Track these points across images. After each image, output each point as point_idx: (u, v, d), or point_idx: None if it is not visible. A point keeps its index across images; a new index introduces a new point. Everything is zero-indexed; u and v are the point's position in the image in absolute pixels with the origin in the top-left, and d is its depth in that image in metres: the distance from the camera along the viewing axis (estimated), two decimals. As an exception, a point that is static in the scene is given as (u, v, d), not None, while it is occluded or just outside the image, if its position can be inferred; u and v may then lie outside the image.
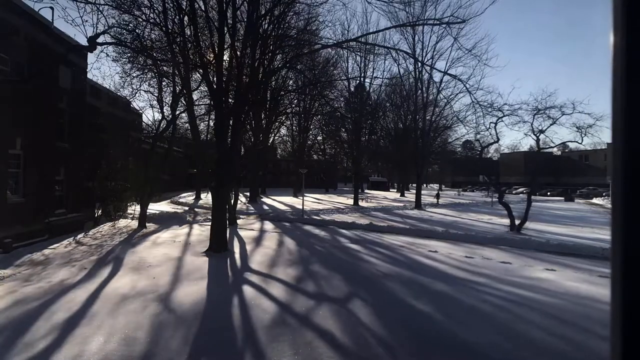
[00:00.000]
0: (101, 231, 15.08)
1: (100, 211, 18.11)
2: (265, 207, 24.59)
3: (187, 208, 25.07)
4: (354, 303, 6.27)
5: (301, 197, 21.64)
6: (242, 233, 14.24)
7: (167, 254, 10.35)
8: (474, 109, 20.04)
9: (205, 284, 7.45)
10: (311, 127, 37.82)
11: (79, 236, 13.75)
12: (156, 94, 18.99)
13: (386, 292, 6.99)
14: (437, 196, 33.45)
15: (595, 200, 42.59)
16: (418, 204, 27.87)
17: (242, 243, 12.17)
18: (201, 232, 14.23)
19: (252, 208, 23.80)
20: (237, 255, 10.22)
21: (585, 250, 11.43)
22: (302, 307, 6.01)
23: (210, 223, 11.47)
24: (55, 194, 14.52)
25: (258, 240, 12.70)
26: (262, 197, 32.59)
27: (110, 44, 13.35)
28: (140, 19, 13.02)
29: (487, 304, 6.38)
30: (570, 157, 66.75)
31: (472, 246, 12.19)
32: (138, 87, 20.85)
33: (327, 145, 47.91)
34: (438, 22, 14.52)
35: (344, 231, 15.29)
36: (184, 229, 15.26)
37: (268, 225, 16.65)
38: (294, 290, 7.02)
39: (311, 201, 29.04)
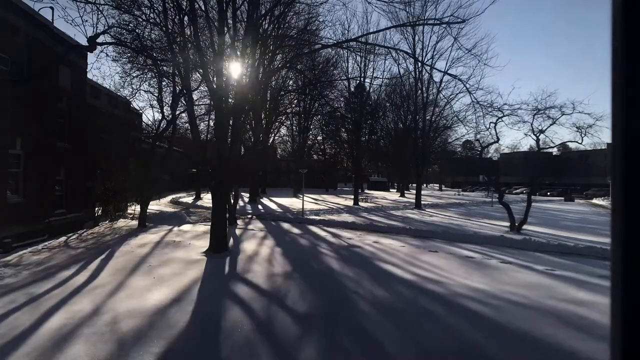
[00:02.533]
0: (94, 232, 15.05)
1: (100, 211, 18.12)
2: (265, 208, 24.59)
3: (187, 208, 25.06)
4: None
5: (301, 198, 21.63)
6: (242, 233, 14.23)
7: (166, 254, 10.34)
8: (474, 109, 20.01)
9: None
10: (311, 127, 37.83)
11: (73, 236, 13.65)
12: (156, 94, 19.02)
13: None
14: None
15: (595, 201, 42.56)
16: (418, 204, 27.88)
17: (242, 243, 12.16)
18: (201, 232, 14.23)
19: (251, 208, 23.81)
20: (236, 257, 10.20)
21: (585, 250, 11.43)
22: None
23: (210, 223, 11.47)
24: (55, 194, 14.52)
25: (257, 241, 12.70)
26: (262, 197, 32.58)
27: (110, 44, 13.37)
28: (140, 19, 13.06)
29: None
30: (570, 157, 66.69)
31: (471, 247, 12.20)
32: (138, 87, 20.85)
33: (327, 145, 47.90)
34: (438, 22, 14.54)
35: (343, 232, 15.30)
36: (184, 229, 15.25)
37: (268, 226, 16.65)
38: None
39: (311, 201, 29.04)
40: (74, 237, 13.55)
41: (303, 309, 6.10)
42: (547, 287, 7.54)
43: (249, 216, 20.08)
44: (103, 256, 10.01)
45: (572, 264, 9.78)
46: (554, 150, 52.90)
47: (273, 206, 25.74)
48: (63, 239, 13.07)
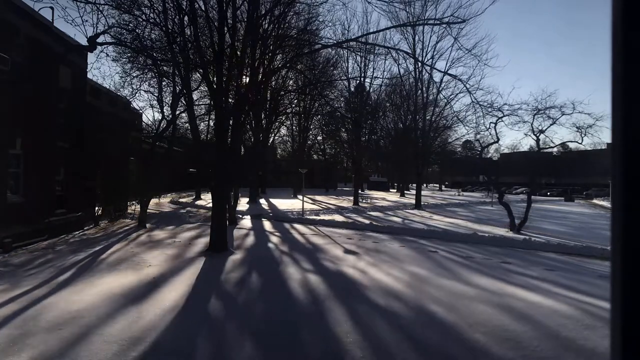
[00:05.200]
0: (94, 232, 15.06)
1: (100, 211, 18.11)
2: (265, 208, 24.58)
3: (187, 208, 25.07)
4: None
5: (301, 198, 21.62)
6: (242, 233, 14.23)
7: (165, 253, 10.34)
8: (474, 109, 20.02)
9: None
10: (311, 127, 37.79)
11: (70, 236, 13.58)
12: (156, 94, 19.06)
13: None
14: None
15: (595, 201, 42.50)
16: (418, 205, 27.89)
17: (241, 243, 12.17)
18: (201, 231, 14.23)
19: (251, 208, 23.80)
20: (236, 256, 10.21)
21: (584, 250, 11.43)
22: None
23: (210, 223, 11.47)
24: (55, 194, 14.50)
25: (257, 241, 12.72)
26: (261, 198, 32.57)
27: (110, 44, 13.37)
28: (140, 19, 13.06)
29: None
30: (571, 157, 66.54)
31: (472, 251, 12.21)
32: (138, 87, 20.86)
33: (327, 145, 47.87)
34: (438, 22, 14.56)
35: (342, 233, 15.31)
36: (184, 229, 15.25)
37: (268, 226, 16.66)
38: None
39: (311, 202, 29.04)
40: (72, 237, 13.55)
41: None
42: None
43: (249, 216, 20.08)
44: (100, 255, 10.01)
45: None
46: (554, 150, 52.87)
47: (273, 207, 25.72)
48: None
